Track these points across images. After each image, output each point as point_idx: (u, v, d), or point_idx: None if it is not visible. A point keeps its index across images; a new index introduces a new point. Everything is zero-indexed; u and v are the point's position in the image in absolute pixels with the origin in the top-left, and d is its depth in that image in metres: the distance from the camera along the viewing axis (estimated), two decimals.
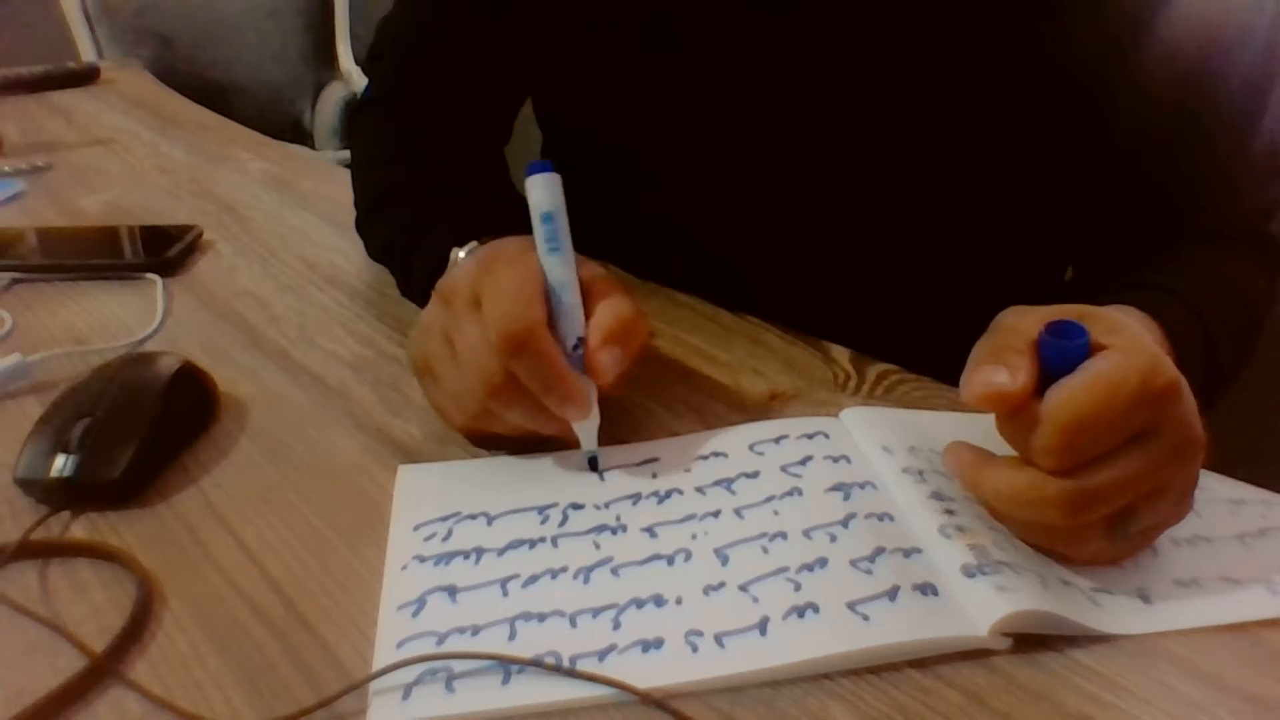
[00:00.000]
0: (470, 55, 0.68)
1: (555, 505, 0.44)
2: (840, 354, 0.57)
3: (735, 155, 0.63)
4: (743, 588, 0.38)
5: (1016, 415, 0.38)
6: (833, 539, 0.41)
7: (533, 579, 0.40)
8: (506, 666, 0.35)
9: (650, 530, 0.42)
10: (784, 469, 0.45)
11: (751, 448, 0.47)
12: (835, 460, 0.46)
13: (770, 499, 0.43)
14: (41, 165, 0.93)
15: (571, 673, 0.35)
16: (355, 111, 0.74)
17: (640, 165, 0.68)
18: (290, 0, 2.25)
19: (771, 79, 0.60)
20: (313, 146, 2.27)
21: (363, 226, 0.69)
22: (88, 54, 2.07)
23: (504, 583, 0.39)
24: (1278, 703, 0.34)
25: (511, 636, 0.37)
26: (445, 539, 0.42)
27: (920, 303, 0.64)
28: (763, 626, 0.36)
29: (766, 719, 0.34)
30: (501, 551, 0.41)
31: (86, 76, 1.26)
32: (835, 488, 0.44)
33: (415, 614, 0.38)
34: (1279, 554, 0.42)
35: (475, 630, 0.37)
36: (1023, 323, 0.39)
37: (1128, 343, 0.38)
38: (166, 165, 0.94)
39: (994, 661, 0.36)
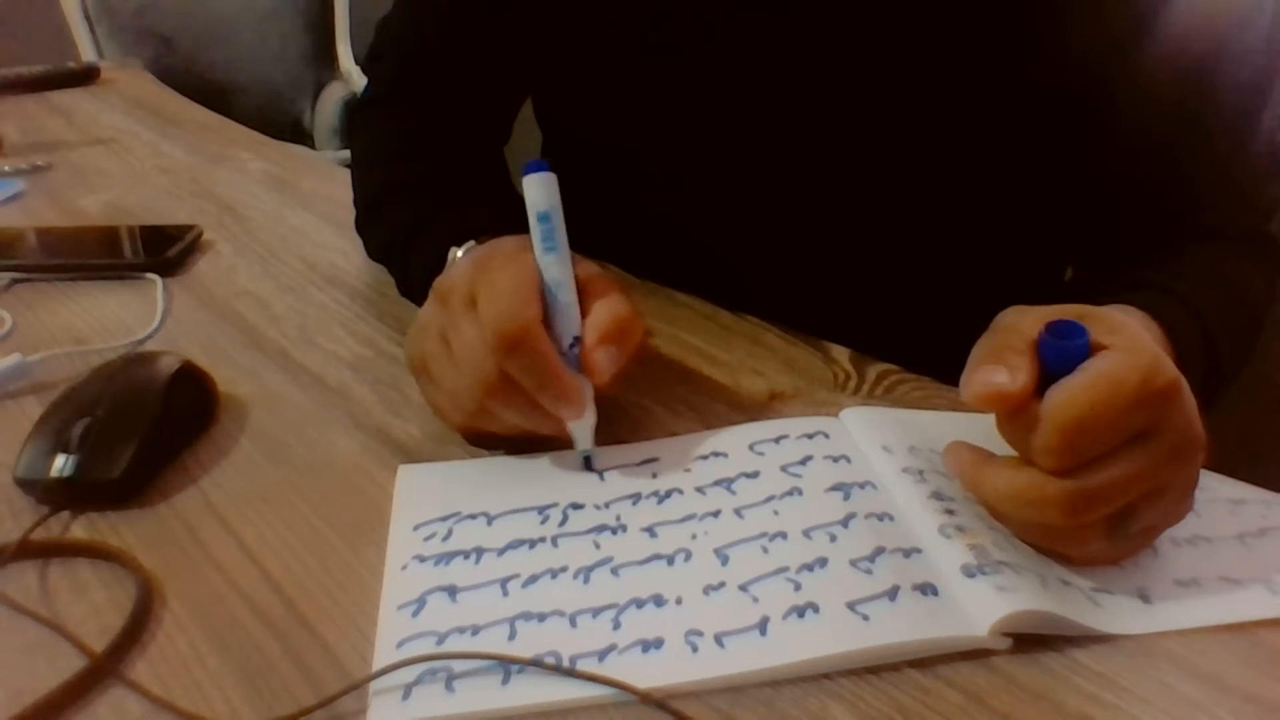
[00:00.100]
0: (470, 55, 0.68)
1: (555, 505, 0.44)
2: (840, 354, 0.57)
3: (735, 155, 0.63)
4: (743, 588, 0.38)
5: (1016, 415, 0.38)
6: (833, 539, 0.41)
7: (533, 579, 0.40)
8: (506, 666, 0.35)
9: (650, 530, 0.42)
10: (784, 469, 0.45)
11: (751, 448, 0.47)
12: (835, 460, 0.46)
13: (770, 499, 0.43)
14: (41, 165, 0.93)
15: (571, 673, 0.35)
16: (355, 111, 0.74)
17: (640, 165, 0.68)
18: (290, 0, 2.25)
19: (771, 79, 0.60)
20: (313, 146, 2.26)
21: (362, 226, 0.69)
22: (88, 54, 2.06)
23: (504, 583, 0.39)
24: (1278, 703, 0.34)
25: (511, 636, 0.37)
26: (445, 539, 0.42)
27: (920, 303, 0.64)
28: (763, 626, 0.36)
29: (766, 719, 0.34)
30: (501, 551, 0.41)
31: (86, 76, 1.26)
32: (835, 488, 0.44)
33: (415, 614, 0.38)
34: (1279, 554, 0.42)
35: (475, 630, 0.37)
36: (1023, 323, 0.39)
37: (1128, 343, 0.38)
38: (166, 165, 0.94)
39: (994, 661, 0.36)
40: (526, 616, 0.37)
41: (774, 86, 0.61)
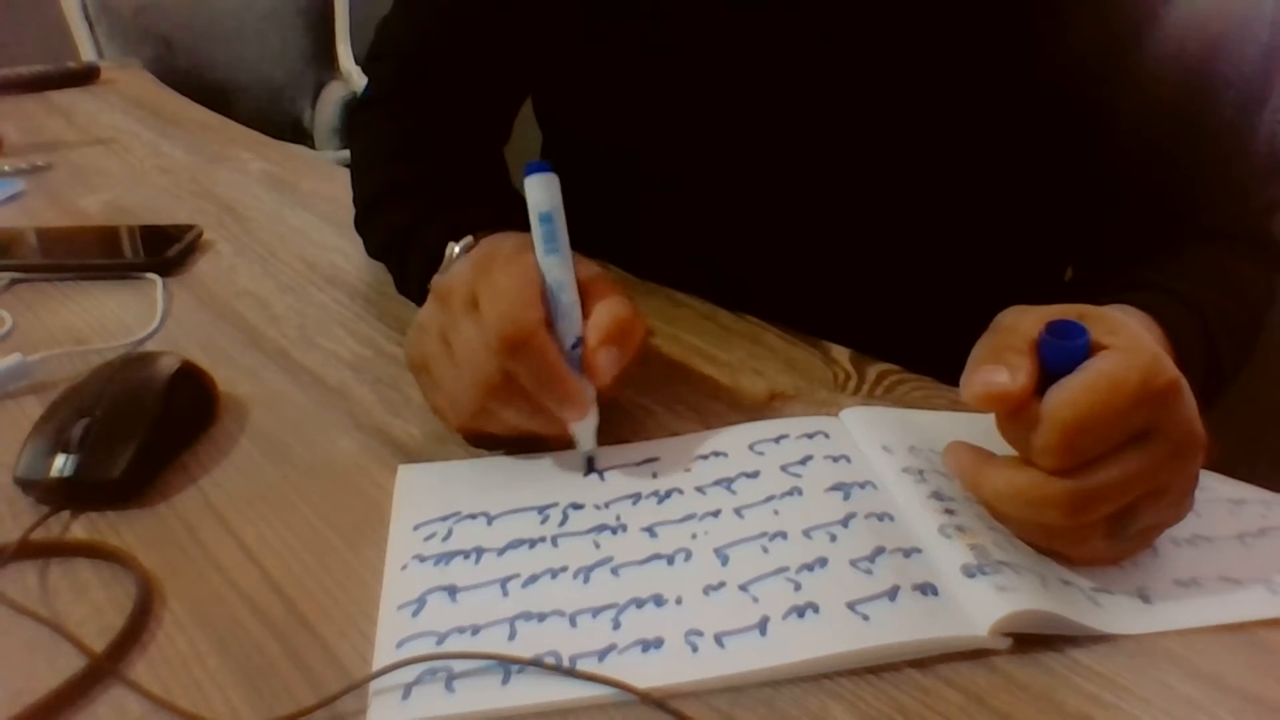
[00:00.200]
0: (470, 55, 0.68)
1: (555, 505, 0.44)
2: (840, 354, 0.57)
3: (735, 155, 0.63)
4: (743, 587, 0.38)
5: (1017, 415, 0.38)
6: (833, 539, 0.41)
7: (533, 579, 0.40)
8: (506, 666, 0.35)
9: (650, 530, 0.42)
10: (784, 469, 0.45)
11: (751, 447, 0.47)
12: (835, 460, 0.46)
13: (770, 498, 0.43)
14: (41, 165, 0.93)
15: (571, 673, 0.35)
16: (355, 111, 0.74)
17: (640, 165, 0.68)
18: (290, 0, 2.25)
19: (771, 79, 0.60)
20: (313, 146, 2.27)
21: (362, 225, 0.69)
22: (88, 54, 2.07)
23: (504, 582, 0.39)
24: (1278, 703, 0.34)
25: (511, 636, 0.37)
26: (445, 539, 0.42)
27: (920, 303, 0.64)
28: (763, 626, 0.36)
29: (766, 719, 0.34)
30: (501, 551, 0.41)
31: (86, 76, 1.26)
32: (835, 487, 0.44)
33: (415, 614, 0.38)
34: (1279, 554, 0.42)
35: (475, 630, 0.37)
36: (1023, 322, 0.39)
37: (1128, 342, 0.38)
38: (166, 165, 0.94)
39: (994, 661, 0.36)
40: (526, 616, 0.38)
41: (774, 86, 0.61)
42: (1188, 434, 0.37)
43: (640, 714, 0.34)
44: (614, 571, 0.40)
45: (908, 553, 0.40)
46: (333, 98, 2.26)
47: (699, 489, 0.45)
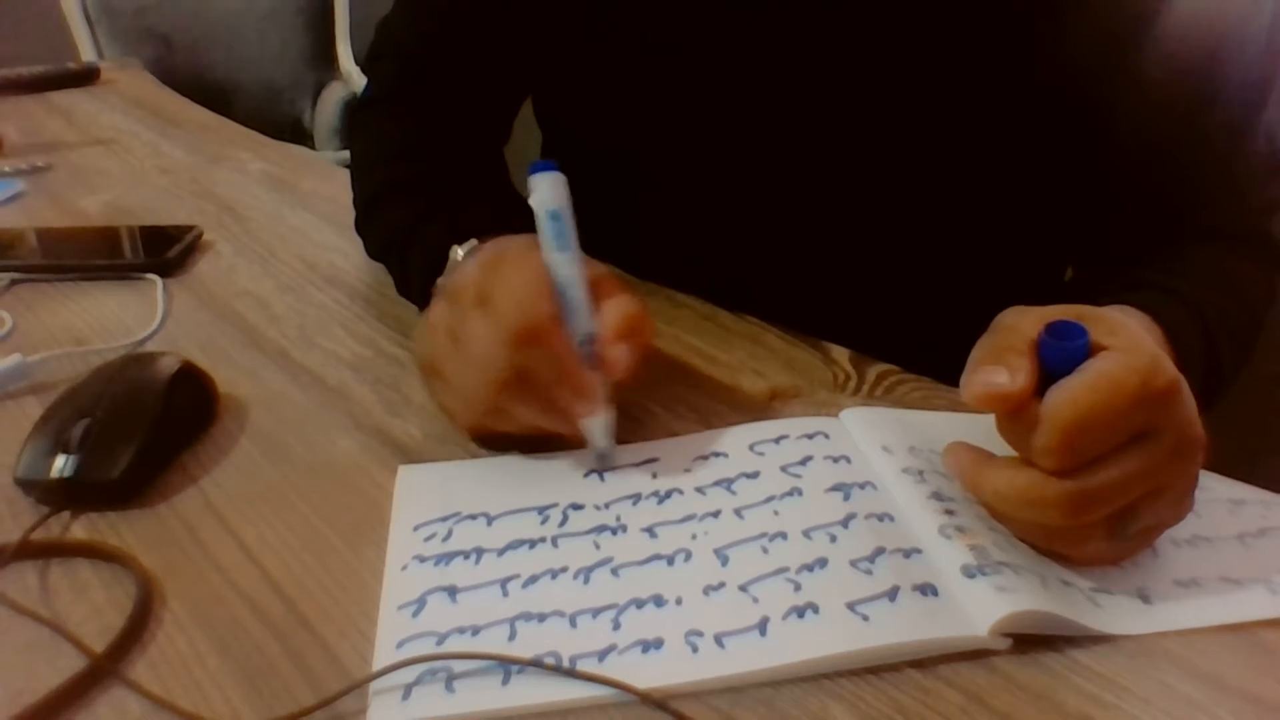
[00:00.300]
0: (470, 55, 0.68)
1: (555, 505, 0.44)
2: (840, 354, 0.57)
3: (735, 156, 0.63)
4: (743, 588, 0.38)
5: (1017, 416, 0.38)
6: (833, 539, 0.41)
7: (533, 579, 0.40)
8: (506, 666, 0.35)
9: (650, 530, 0.42)
10: (784, 469, 0.45)
11: (751, 448, 0.47)
12: (835, 460, 0.46)
13: (770, 499, 0.43)
14: (41, 165, 0.93)
15: (571, 673, 0.35)
16: (355, 111, 0.74)
17: (640, 165, 0.68)
18: (290, 0, 2.25)
19: (771, 79, 0.60)
20: (313, 146, 2.27)
21: (362, 225, 0.69)
22: (88, 54, 2.06)
23: (504, 583, 0.39)
24: (1278, 703, 0.34)
25: (511, 637, 0.37)
26: (445, 539, 0.42)
27: (920, 303, 0.64)
28: (763, 626, 0.36)
29: (766, 719, 0.34)
30: (501, 552, 0.41)
31: (86, 76, 1.26)
32: (835, 488, 0.44)
33: (415, 614, 0.38)
34: (1279, 554, 0.42)
35: (475, 630, 0.37)
36: (1023, 323, 0.39)
37: (1128, 343, 0.38)
38: (166, 165, 0.94)
39: (994, 661, 0.36)
40: (526, 617, 0.38)
41: (774, 86, 0.61)
42: (1187, 434, 0.37)
43: (640, 714, 0.34)
44: (614, 572, 0.40)
45: (908, 553, 0.40)
46: (333, 98, 2.26)
47: (699, 489, 0.45)
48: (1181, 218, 0.60)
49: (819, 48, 0.59)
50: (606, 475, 0.46)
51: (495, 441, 0.48)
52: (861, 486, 0.44)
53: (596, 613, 0.38)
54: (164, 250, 0.70)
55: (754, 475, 0.45)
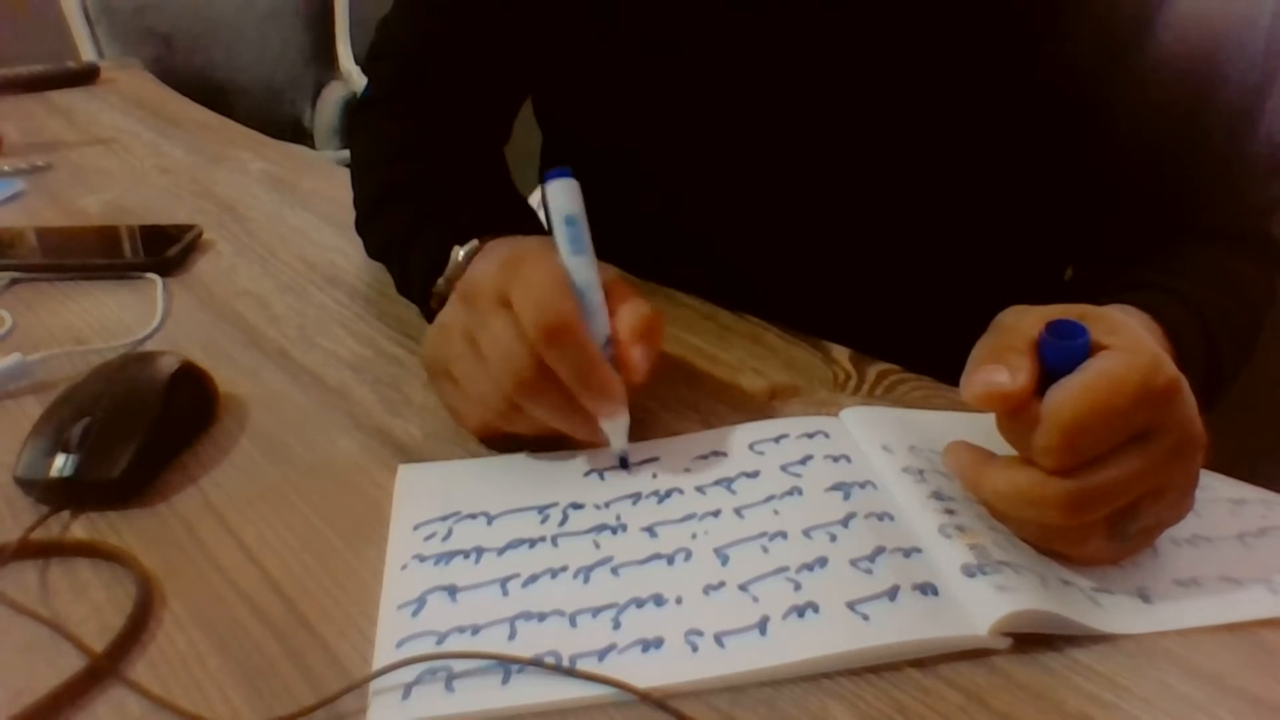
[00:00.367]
0: (470, 55, 0.68)
1: (555, 505, 0.44)
2: (840, 354, 0.57)
3: (735, 156, 0.63)
4: (743, 587, 0.38)
5: (1017, 415, 0.38)
6: (833, 538, 0.41)
7: (533, 578, 0.40)
8: (506, 666, 0.35)
9: (650, 530, 0.42)
10: (784, 468, 0.45)
11: (751, 447, 0.47)
12: (835, 460, 0.46)
13: (770, 498, 0.43)
14: (41, 165, 0.93)
15: (571, 672, 0.35)
16: (355, 111, 0.74)
17: (640, 165, 0.68)
18: (290, 0, 2.25)
19: (771, 79, 0.60)
20: (313, 146, 2.27)
21: (362, 226, 0.69)
22: (88, 54, 2.07)
23: (504, 582, 0.39)
24: (1278, 703, 0.34)
25: (511, 636, 0.37)
26: (445, 538, 0.42)
27: (920, 303, 0.64)
28: (763, 626, 0.36)
29: (766, 719, 0.34)
30: (501, 551, 0.41)
31: (86, 76, 1.26)
32: (835, 487, 0.44)
33: (415, 613, 0.38)
34: (1279, 554, 0.42)
35: (475, 630, 0.37)
36: (1023, 322, 0.39)
37: (1128, 342, 0.38)
38: (166, 165, 0.94)
39: (994, 661, 0.36)
40: (526, 616, 0.38)
41: (774, 86, 0.61)
42: (1188, 434, 0.37)
43: (640, 714, 0.34)
44: (614, 571, 0.40)
45: (908, 552, 0.40)
46: (333, 98, 2.26)
47: (699, 489, 0.45)
48: (1182, 217, 0.60)
49: (819, 48, 0.59)
50: (606, 474, 0.46)
51: (502, 442, 0.48)
52: (861, 486, 0.44)
53: (596, 612, 0.38)
54: (164, 250, 0.70)
55: (754, 474, 0.45)
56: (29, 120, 1.09)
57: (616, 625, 0.37)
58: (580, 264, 0.45)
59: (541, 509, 0.44)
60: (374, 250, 0.68)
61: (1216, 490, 0.46)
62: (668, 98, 0.63)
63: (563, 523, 0.43)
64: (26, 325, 0.62)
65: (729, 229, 0.66)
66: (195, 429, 0.50)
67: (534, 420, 0.44)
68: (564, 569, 0.40)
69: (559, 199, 0.45)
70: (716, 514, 0.43)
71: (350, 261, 0.71)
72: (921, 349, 0.55)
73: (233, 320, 0.63)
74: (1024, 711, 0.34)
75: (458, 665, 0.35)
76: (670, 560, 0.40)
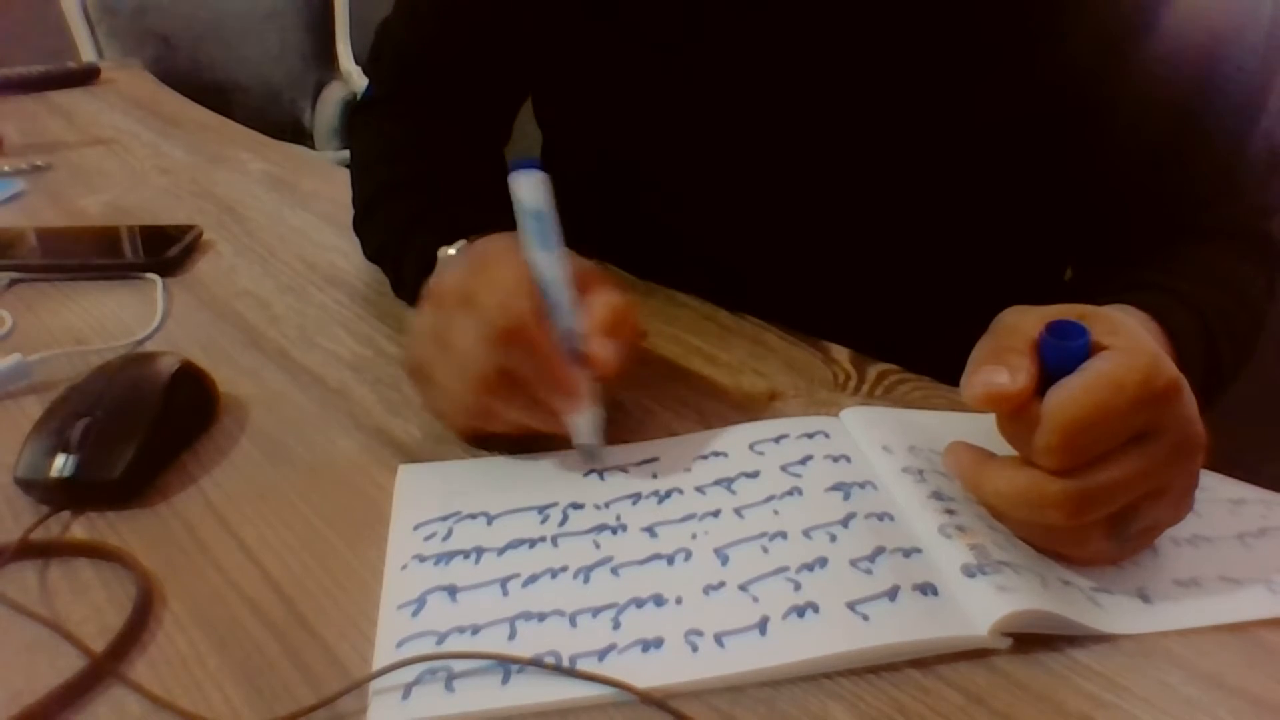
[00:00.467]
0: (470, 55, 0.68)
1: (555, 505, 0.44)
2: (840, 354, 0.57)
3: (735, 156, 0.63)
4: (743, 587, 0.38)
5: (1017, 415, 0.38)
6: (833, 539, 0.40)
7: (533, 579, 0.40)
8: (506, 666, 0.35)
9: (650, 530, 0.42)
10: (784, 468, 0.45)
11: (751, 447, 0.47)
12: (835, 460, 0.46)
13: (770, 498, 0.43)
14: (41, 165, 0.93)
15: (571, 672, 0.35)
16: (355, 111, 0.74)
17: (640, 166, 0.68)
18: (290, 0, 2.25)
19: (771, 79, 0.60)
20: (313, 146, 2.27)
21: (360, 226, 0.69)
22: (88, 54, 2.07)
23: (504, 582, 0.39)
24: (1278, 703, 0.34)
25: (511, 636, 0.37)
26: (445, 539, 0.42)
27: (920, 303, 0.64)
28: (763, 626, 0.36)
29: (766, 719, 0.34)
30: (501, 551, 0.41)
31: (86, 76, 1.26)
32: (835, 487, 0.44)
33: (415, 613, 0.38)
34: (1279, 554, 0.42)
35: (475, 630, 0.37)
36: (1023, 323, 0.39)
37: (1128, 343, 0.38)
38: (166, 165, 0.94)
39: (994, 661, 0.36)
40: (526, 616, 0.37)
41: (773, 86, 0.61)
42: (1188, 434, 0.37)
43: (640, 714, 0.34)
44: (614, 571, 0.40)
45: (908, 553, 0.40)
46: (333, 98, 2.26)
47: (699, 489, 0.45)
48: (1181, 217, 0.60)
49: (819, 48, 0.59)
50: (606, 475, 0.46)
51: (488, 443, 0.48)
52: (861, 486, 0.44)
53: (596, 612, 0.38)
54: (164, 250, 0.70)
55: (754, 474, 0.45)
56: (29, 120, 1.09)
57: (616, 625, 0.37)
58: (546, 259, 0.45)
59: (541, 509, 0.44)
60: (371, 251, 0.68)
61: (1216, 490, 0.46)
62: (668, 98, 0.63)
63: (563, 523, 0.43)
64: (26, 325, 0.62)
65: (729, 229, 0.66)
66: (195, 429, 0.50)
67: (506, 418, 0.45)
68: (564, 569, 0.40)
69: (525, 193, 0.45)
70: (716, 514, 0.43)
71: (350, 261, 0.71)
72: (921, 349, 0.55)
73: (233, 320, 0.63)
74: (1024, 711, 0.34)
75: (458, 665, 0.35)
76: (670, 560, 0.40)
